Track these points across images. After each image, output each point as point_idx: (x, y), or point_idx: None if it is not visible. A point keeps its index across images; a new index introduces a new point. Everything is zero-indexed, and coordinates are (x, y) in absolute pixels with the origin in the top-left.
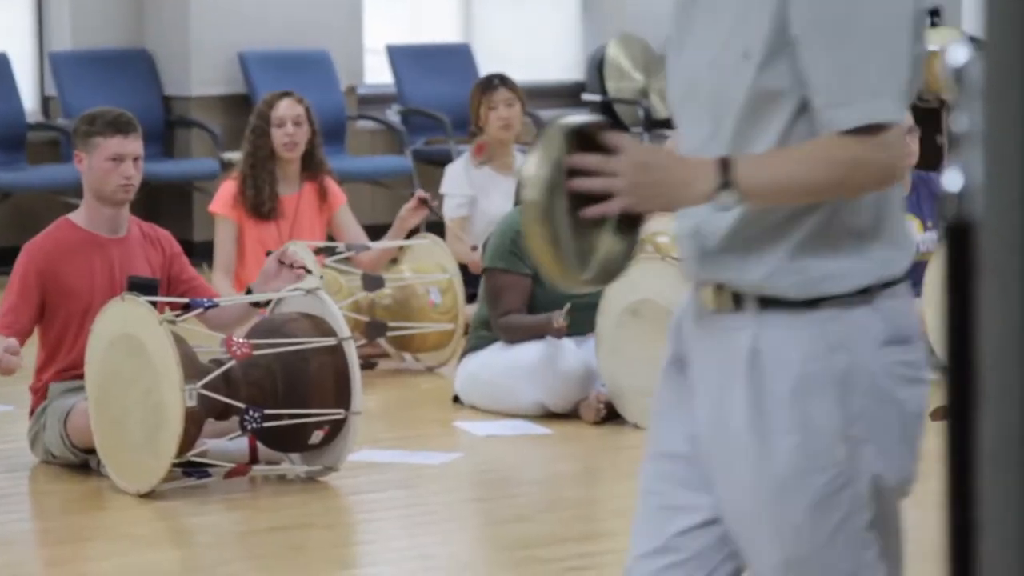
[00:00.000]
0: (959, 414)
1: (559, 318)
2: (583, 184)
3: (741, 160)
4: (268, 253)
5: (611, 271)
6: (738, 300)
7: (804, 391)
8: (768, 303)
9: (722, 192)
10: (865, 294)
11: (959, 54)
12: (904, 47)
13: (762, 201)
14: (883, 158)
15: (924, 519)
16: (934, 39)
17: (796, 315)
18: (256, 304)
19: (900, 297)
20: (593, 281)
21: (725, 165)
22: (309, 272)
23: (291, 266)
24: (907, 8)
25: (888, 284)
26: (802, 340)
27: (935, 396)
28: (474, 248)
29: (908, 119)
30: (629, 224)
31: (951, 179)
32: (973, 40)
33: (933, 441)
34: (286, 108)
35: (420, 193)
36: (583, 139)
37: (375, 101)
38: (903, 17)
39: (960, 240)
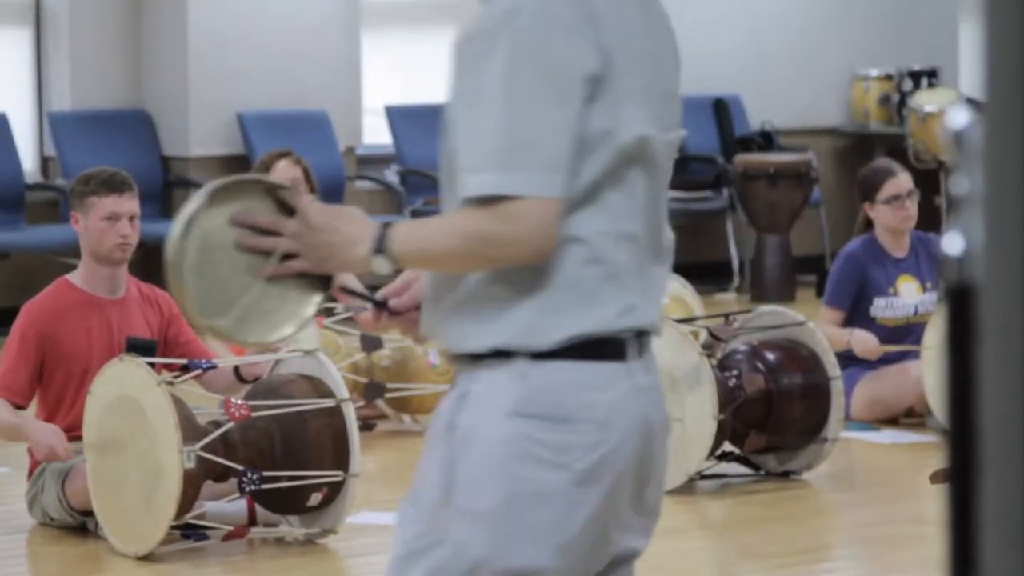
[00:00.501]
0: (960, 478)
1: None
2: (251, 242)
3: (399, 226)
4: None
5: (264, 321)
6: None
7: (427, 449)
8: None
9: (376, 257)
10: (502, 357)
11: (959, 117)
12: (557, 118)
13: (414, 267)
14: (511, 231)
15: None
16: (932, 100)
17: (458, 372)
18: (244, 380)
19: (563, 372)
20: (234, 330)
21: (383, 230)
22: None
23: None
24: (565, 78)
25: (543, 355)
26: (450, 396)
27: (935, 459)
28: None
29: (908, 182)
30: (317, 282)
31: (951, 242)
32: (971, 101)
33: (933, 505)
34: (283, 169)
35: None
36: (273, 197)
37: (374, 161)
38: (557, 87)
39: (961, 303)
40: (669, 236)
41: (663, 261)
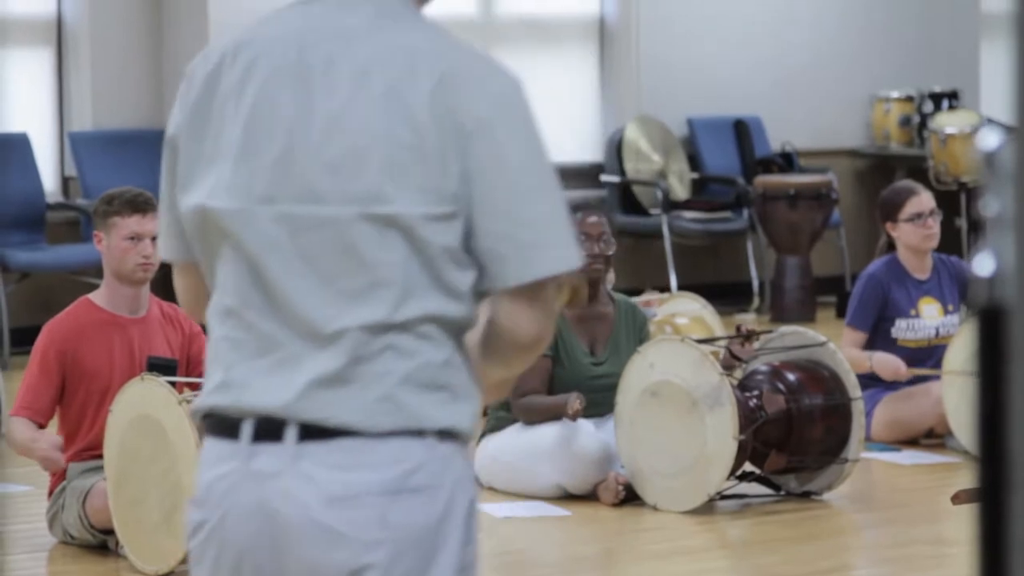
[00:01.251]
0: (991, 499)
1: (574, 403)
2: None
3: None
4: None
5: None
6: None
7: None
8: None
9: None
10: None
11: (990, 138)
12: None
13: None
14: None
15: None
16: (953, 122)
17: None
18: None
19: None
20: None
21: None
22: None
23: None
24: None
25: None
26: None
27: (956, 479)
28: None
29: (930, 201)
30: None
31: (982, 263)
32: (992, 123)
33: (953, 526)
34: None
35: None
36: None
37: None
38: None
39: (991, 324)
40: (324, 317)
41: (309, 343)
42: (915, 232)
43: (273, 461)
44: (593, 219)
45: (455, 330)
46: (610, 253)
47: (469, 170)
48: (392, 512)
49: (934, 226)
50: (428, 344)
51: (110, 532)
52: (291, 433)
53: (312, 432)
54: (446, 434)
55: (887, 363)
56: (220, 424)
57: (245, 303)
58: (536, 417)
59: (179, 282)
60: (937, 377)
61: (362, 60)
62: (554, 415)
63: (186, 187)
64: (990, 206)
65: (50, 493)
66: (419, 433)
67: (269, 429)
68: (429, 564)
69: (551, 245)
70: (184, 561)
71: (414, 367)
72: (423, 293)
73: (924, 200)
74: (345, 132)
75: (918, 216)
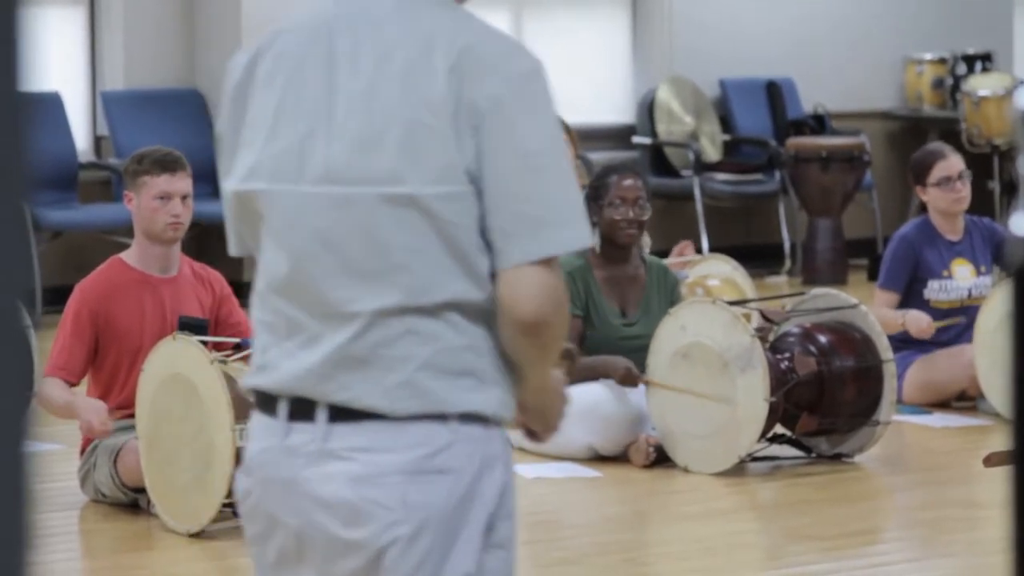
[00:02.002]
0: (1023, 462)
1: (634, 374)
2: None
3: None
4: None
5: None
6: None
7: None
8: None
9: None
10: None
11: None
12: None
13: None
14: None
15: (984, 565)
16: (986, 84)
17: None
18: None
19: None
20: None
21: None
22: None
23: None
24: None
25: None
26: None
27: (987, 442)
28: None
29: (959, 164)
30: None
31: (1017, 223)
32: None
33: (985, 488)
34: None
35: None
36: None
37: None
38: None
39: None
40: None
41: (329, 324)
42: (944, 196)
43: (305, 439)
44: (628, 182)
45: (478, 315)
46: (645, 218)
47: (482, 148)
48: (413, 492)
49: (963, 189)
50: (450, 329)
51: (141, 490)
52: (322, 414)
53: (341, 414)
54: (471, 418)
55: (919, 320)
56: (262, 402)
57: (273, 286)
58: (575, 377)
59: None
60: (966, 337)
61: (385, 43)
62: (590, 375)
63: (226, 174)
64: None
65: (82, 452)
66: (442, 417)
67: (302, 409)
68: (451, 543)
69: (559, 224)
70: (216, 520)
71: (434, 352)
72: (443, 278)
73: (953, 163)
74: (364, 113)
75: (947, 180)
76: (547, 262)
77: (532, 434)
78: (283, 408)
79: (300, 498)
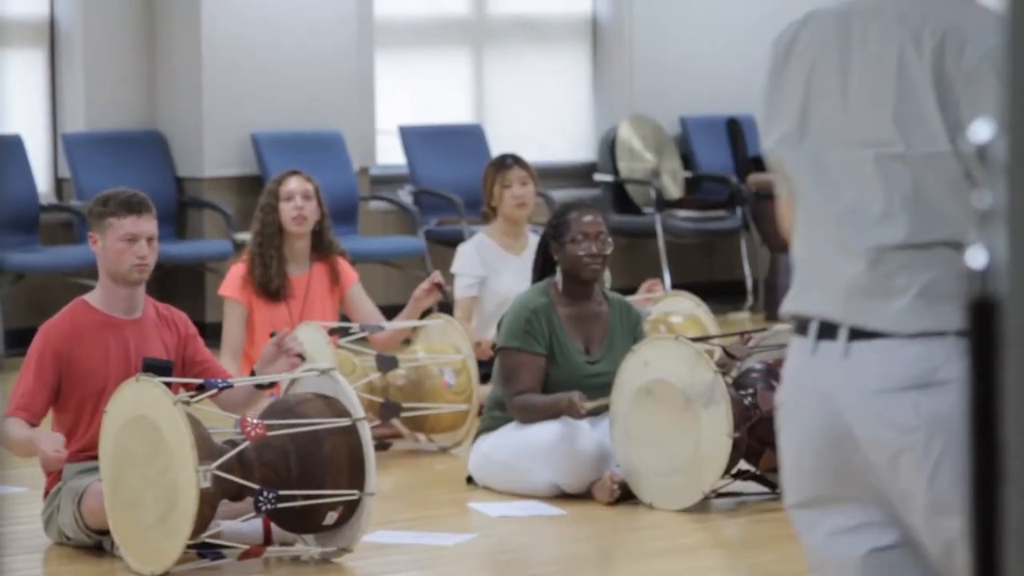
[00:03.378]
0: (983, 491)
1: (580, 403)
2: None
3: None
4: (272, 334)
5: None
6: None
7: None
8: None
9: None
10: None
11: (982, 131)
12: None
13: None
14: None
15: None
16: None
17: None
18: (261, 386)
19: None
20: None
21: None
22: (304, 359)
23: (287, 352)
24: None
25: None
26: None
27: None
28: (478, 344)
29: None
30: None
31: (975, 256)
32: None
33: None
34: (296, 184)
35: (435, 277)
36: None
37: (388, 182)
38: None
39: (984, 317)
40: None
41: (846, 258)
42: None
43: (829, 356)
44: (589, 218)
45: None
46: (608, 252)
47: (960, 115)
48: (923, 403)
49: None
50: (943, 262)
51: (105, 533)
52: (842, 334)
53: (858, 334)
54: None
55: None
56: (798, 324)
57: (801, 231)
58: (534, 416)
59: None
60: None
61: (886, 26)
62: (552, 414)
63: (764, 135)
64: (982, 199)
65: (45, 494)
66: (941, 334)
67: (827, 330)
68: (957, 447)
69: None
70: (180, 562)
71: (930, 280)
72: (934, 222)
73: None
74: (867, 87)
75: None
76: None
77: None
78: (813, 329)
79: (828, 406)
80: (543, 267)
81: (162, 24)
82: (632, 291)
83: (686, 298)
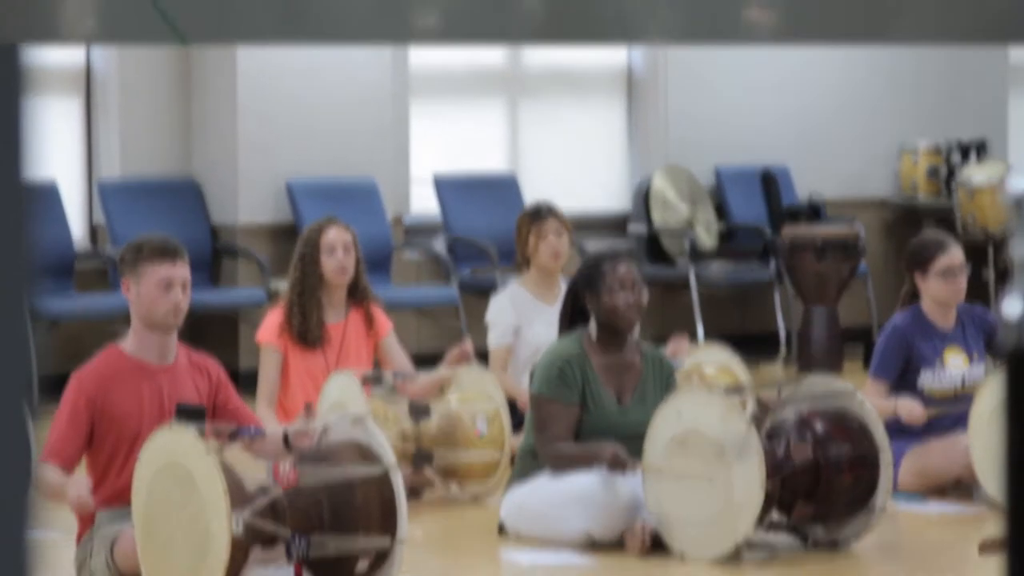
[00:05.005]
0: (1018, 548)
1: (622, 460)
2: None
3: None
4: (308, 406)
5: None
6: None
7: None
8: None
9: None
10: None
11: (1018, 183)
12: None
13: None
14: None
15: None
16: (981, 173)
17: None
18: (289, 447)
19: None
20: None
21: None
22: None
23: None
24: None
25: None
26: None
27: (983, 529)
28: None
29: (961, 254)
30: None
31: (1011, 306)
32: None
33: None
34: (336, 234)
35: (465, 346)
36: None
37: (422, 231)
38: None
39: (1020, 367)
40: None
41: None
42: (944, 287)
43: None
44: (624, 268)
45: None
46: (644, 302)
47: None
48: None
49: (963, 281)
50: None
51: None
52: None
53: None
54: None
55: (911, 408)
56: None
57: None
58: (567, 465)
59: None
60: (961, 424)
61: None
62: (586, 463)
63: None
64: (1018, 249)
65: (78, 540)
66: None
67: None
68: None
69: None
70: None
71: None
72: None
73: (955, 255)
74: None
75: (950, 271)
76: None
77: None
78: None
79: None
80: (572, 316)
81: (197, 72)
82: (664, 340)
83: (719, 350)
